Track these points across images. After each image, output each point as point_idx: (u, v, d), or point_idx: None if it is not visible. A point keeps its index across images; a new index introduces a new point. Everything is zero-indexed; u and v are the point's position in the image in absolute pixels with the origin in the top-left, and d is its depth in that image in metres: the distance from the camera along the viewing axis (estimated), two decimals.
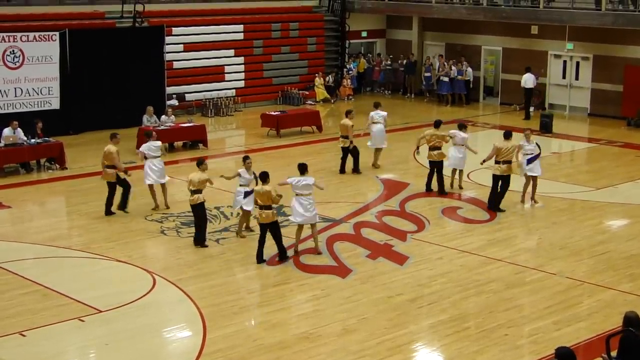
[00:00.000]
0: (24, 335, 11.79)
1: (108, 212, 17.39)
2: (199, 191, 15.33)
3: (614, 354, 9.28)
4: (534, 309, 12.81)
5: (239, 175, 15.92)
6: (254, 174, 15.83)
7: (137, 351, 11.46)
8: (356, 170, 20.83)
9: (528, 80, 28.84)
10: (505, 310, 12.73)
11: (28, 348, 11.49)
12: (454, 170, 19.52)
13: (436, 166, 18.97)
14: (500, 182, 17.68)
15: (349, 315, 12.54)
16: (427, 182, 19.19)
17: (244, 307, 12.96)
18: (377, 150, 21.48)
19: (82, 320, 12.26)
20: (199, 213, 15.47)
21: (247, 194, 15.67)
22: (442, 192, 18.97)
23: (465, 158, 19.26)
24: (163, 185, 17.79)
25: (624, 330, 9.27)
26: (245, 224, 16.27)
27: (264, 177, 14.56)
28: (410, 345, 11.65)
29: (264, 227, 14.58)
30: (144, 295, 13.25)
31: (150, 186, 17.66)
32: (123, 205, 17.54)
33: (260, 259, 14.68)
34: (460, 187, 19.54)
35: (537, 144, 18.43)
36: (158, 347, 11.77)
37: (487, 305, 12.95)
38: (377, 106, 21.72)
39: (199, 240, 15.54)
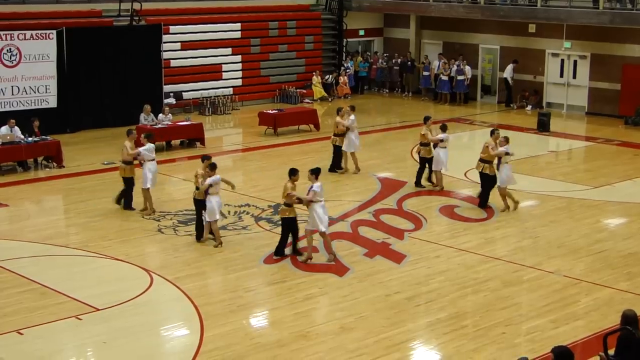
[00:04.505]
0: (21, 334, 11.77)
1: (128, 206, 17.43)
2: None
3: (611, 352, 9.29)
4: (532, 308, 12.82)
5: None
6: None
7: (134, 349, 11.45)
8: (339, 167, 20.82)
9: (507, 71, 30.72)
10: (502, 308, 12.73)
11: (25, 346, 11.47)
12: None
13: (427, 162, 19.25)
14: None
15: (346, 313, 12.54)
16: (417, 178, 19.36)
17: (241, 305, 12.93)
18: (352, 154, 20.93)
19: (80, 319, 12.25)
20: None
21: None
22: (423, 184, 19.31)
23: (438, 158, 18.98)
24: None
25: (622, 328, 9.27)
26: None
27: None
28: (407, 343, 11.65)
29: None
30: (141, 294, 13.24)
31: (147, 190, 17.23)
32: (118, 200, 17.56)
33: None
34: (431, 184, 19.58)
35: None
36: (155, 346, 11.76)
37: (485, 303, 12.95)
38: (353, 109, 21.24)
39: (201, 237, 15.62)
